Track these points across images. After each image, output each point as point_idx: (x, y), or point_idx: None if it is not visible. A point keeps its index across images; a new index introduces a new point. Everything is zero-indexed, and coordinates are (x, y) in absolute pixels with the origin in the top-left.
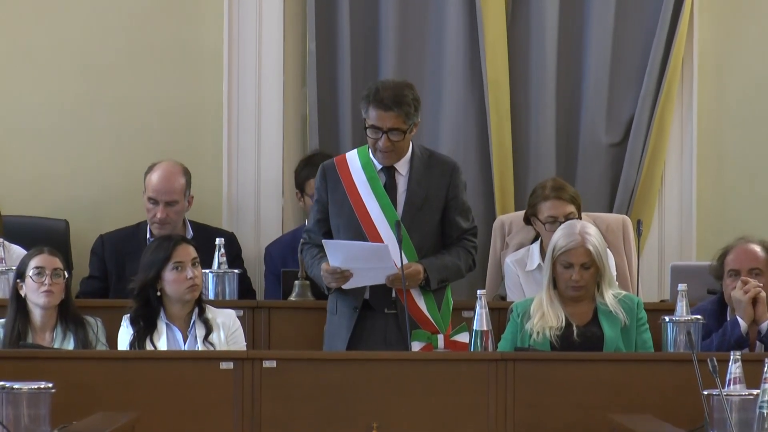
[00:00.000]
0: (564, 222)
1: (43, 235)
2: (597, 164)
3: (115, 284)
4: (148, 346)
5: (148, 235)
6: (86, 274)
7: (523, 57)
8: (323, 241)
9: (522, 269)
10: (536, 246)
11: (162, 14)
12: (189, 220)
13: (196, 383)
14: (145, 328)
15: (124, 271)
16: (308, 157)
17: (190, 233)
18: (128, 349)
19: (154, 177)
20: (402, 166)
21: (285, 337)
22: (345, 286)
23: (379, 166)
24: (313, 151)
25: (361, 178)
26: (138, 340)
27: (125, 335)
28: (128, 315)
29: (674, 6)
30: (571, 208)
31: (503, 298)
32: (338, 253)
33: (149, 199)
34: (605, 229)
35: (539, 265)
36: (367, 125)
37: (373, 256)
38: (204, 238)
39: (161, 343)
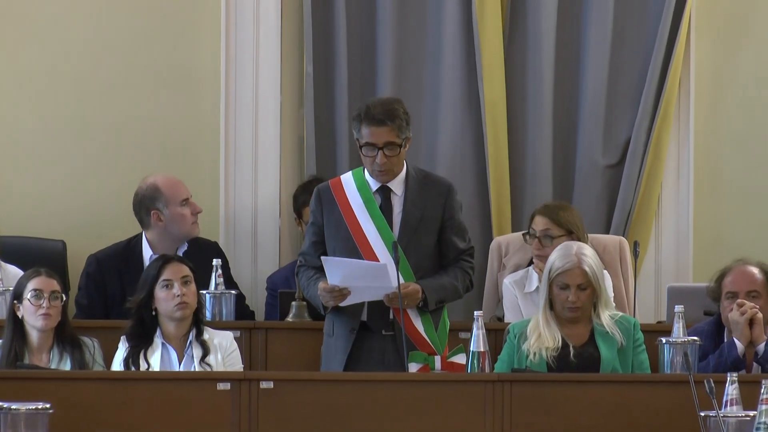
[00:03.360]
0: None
1: (40, 256)
2: (594, 185)
3: (118, 306)
4: (142, 362)
5: (144, 250)
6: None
7: (520, 78)
8: (322, 258)
9: (520, 290)
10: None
11: (159, 35)
12: None
13: (193, 404)
14: (139, 345)
15: (124, 293)
16: (306, 183)
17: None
18: (122, 365)
19: (169, 184)
20: (397, 187)
21: (282, 357)
22: (342, 303)
23: (374, 187)
24: (310, 176)
25: (356, 200)
26: (132, 356)
27: (120, 353)
28: (125, 333)
29: (671, 27)
30: (560, 231)
31: (500, 319)
32: (337, 270)
33: (182, 202)
34: (602, 251)
35: (538, 287)
36: (361, 144)
37: (372, 275)
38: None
39: (154, 359)
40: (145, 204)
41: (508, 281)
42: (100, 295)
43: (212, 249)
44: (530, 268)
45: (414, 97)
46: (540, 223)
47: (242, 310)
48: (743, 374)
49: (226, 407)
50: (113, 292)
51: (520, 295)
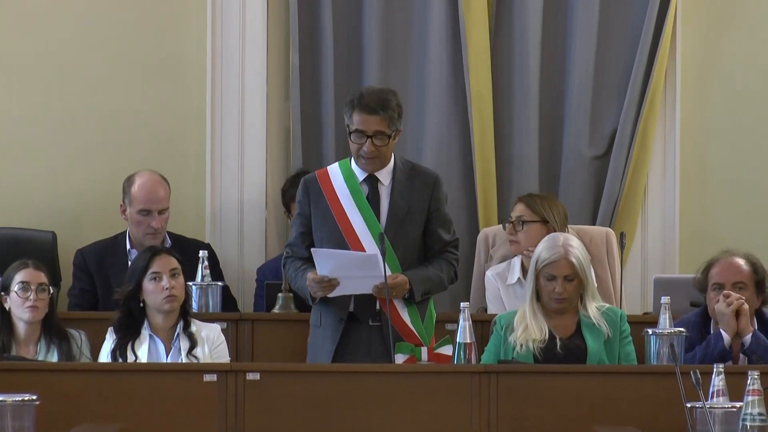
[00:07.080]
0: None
1: (30, 247)
2: (580, 177)
3: (102, 299)
4: (129, 355)
5: (128, 247)
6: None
7: (506, 69)
8: (312, 250)
9: (503, 283)
10: (517, 260)
11: (145, 26)
12: (167, 232)
13: (179, 395)
14: (127, 336)
15: (110, 286)
16: (293, 176)
17: (168, 242)
18: (109, 356)
19: (142, 188)
20: (385, 178)
21: (268, 349)
22: (331, 294)
23: (361, 178)
24: (298, 169)
25: (343, 190)
26: (120, 348)
27: (108, 344)
28: (112, 325)
29: (657, 18)
30: (533, 217)
31: (487, 310)
32: (327, 262)
33: (140, 211)
34: (589, 242)
35: (519, 278)
36: (351, 130)
37: (362, 265)
38: (179, 249)
39: (142, 351)
40: (122, 191)
41: (490, 273)
42: (91, 282)
43: (198, 247)
44: (513, 259)
45: (400, 89)
46: (516, 209)
47: (225, 300)
48: (729, 365)
49: (213, 399)
50: (99, 285)
51: (502, 287)
